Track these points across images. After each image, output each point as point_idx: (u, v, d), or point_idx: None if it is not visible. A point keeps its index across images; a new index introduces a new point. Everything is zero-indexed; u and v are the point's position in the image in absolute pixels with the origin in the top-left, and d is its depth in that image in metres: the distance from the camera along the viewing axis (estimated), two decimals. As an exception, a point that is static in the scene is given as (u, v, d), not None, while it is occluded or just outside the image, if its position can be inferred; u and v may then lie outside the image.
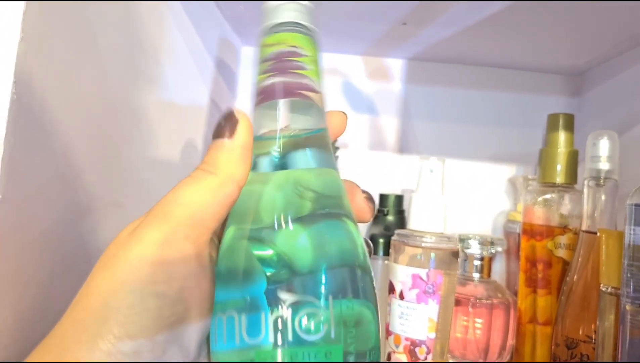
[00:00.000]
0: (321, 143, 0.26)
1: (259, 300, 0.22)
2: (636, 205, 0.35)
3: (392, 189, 0.64)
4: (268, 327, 0.21)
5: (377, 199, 0.61)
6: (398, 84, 0.69)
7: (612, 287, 0.39)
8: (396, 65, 0.69)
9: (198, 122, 0.53)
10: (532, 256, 0.50)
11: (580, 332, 0.43)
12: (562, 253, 0.49)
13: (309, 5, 0.28)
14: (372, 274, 0.25)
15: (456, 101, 0.68)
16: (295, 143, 0.25)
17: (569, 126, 0.52)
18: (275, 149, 0.25)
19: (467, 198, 0.67)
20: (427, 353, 0.42)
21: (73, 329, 0.20)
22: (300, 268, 0.22)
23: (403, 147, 0.69)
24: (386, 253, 0.57)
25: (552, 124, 0.52)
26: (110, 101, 0.33)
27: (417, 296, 0.42)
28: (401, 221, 0.60)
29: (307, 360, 0.21)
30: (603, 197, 0.44)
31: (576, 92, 0.68)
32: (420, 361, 0.42)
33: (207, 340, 0.23)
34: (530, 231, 0.51)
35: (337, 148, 0.58)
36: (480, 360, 0.50)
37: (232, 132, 0.24)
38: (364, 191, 0.28)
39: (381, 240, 0.58)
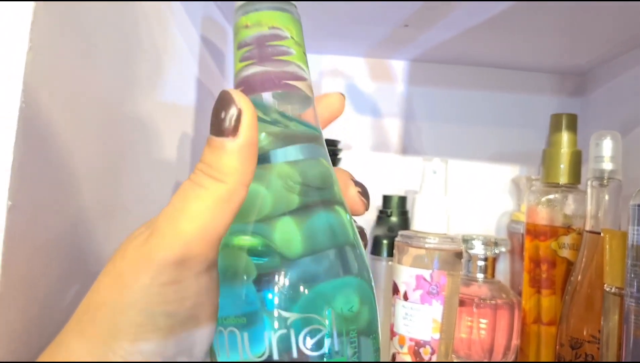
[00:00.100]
0: (310, 133, 0.25)
1: (251, 291, 0.22)
2: (639, 206, 0.35)
3: (395, 191, 0.65)
4: (261, 316, 0.21)
5: (380, 201, 0.61)
6: (400, 85, 0.69)
7: (616, 287, 0.39)
8: (398, 66, 0.69)
9: (202, 124, 0.53)
10: (536, 257, 0.51)
11: (585, 332, 0.43)
12: (566, 253, 0.49)
13: None
14: (365, 257, 0.24)
15: (459, 101, 0.69)
16: (284, 137, 0.24)
17: (572, 126, 0.52)
18: (262, 145, 0.23)
19: (471, 198, 0.67)
20: (432, 354, 0.42)
21: (80, 344, 0.20)
22: (290, 256, 0.22)
23: (406, 148, 0.69)
24: (390, 254, 0.57)
25: (555, 124, 0.53)
26: (114, 106, 0.33)
27: (421, 297, 0.42)
28: (404, 222, 0.60)
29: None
30: (606, 197, 0.44)
31: (579, 93, 0.68)
32: (425, 361, 0.42)
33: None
34: (533, 231, 0.51)
35: (339, 150, 0.59)
36: (485, 361, 0.51)
37: (235, 130, 0.21)
38: (357, 184, 0.28)
39: (385, 241, 0.58)
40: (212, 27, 0.54)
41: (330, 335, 0.22)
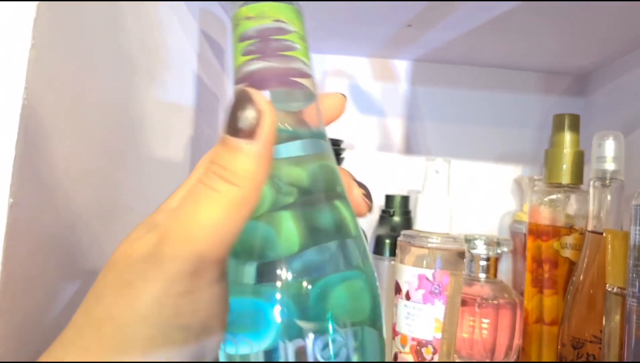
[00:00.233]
0: (314, 131, 0.24)
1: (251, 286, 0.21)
2: (641, 205, 0.35)
3: (398, 190, 0.65)
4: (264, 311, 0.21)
5: (383, 200, 0.61)
6: (404, 85, 0.69)
7: (618, 287, 0.39)
8: (401, 66, 0.69)
9: (204, 123, 0.53)
10: (539, 257, 0.50)
11: (587, 332, 0.43)
12: (568, 253, 0.49)
13: None
14: (366, 248, 0.24)
15: (462, 102, 0.69)
16: (288, 133, 0.23)
17: (575, 126, 0.52)
18: None
19: (474, 198, 0.67)
20: (434, 354, 0.42)
21: (83, 359, 0.18)
22: (289, 250, 0.21)
23: (409, 148, 0.69)
24: (392, 253, 0.57)
25: (558, 124, 0.52)
26: (115, 104, 0.33)
27: (423, 296, 0.42)
28: (407, 222, 0.60)
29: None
30: (609, 197, 0.44)
31: (582, 93, 0.68)
32: (427, 361, 0.42)
33: None
34: (536, 231, 0.51)
35: (342, 149, 0.59)
36: (487, 360, 0.50)
37: (252, 133, 0.20)
38: (360, 185, 0.27)
39: (387, 241, 0.58)
40: (212, 23, 0.55)
41: (335, 329, 0.21)
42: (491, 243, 0.53)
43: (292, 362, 0.20)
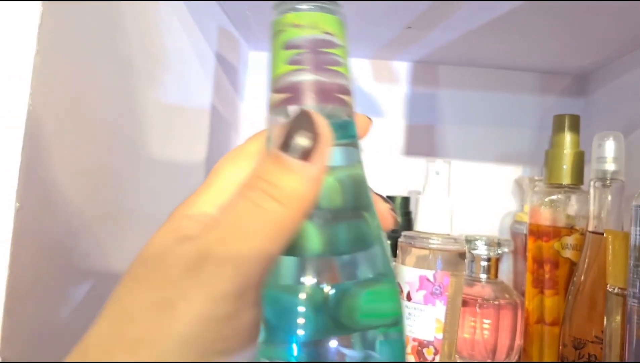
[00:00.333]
0: (352, 150, 0.23)
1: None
2: (641, 206, 0.36)
3: (398, 191, 0.65)
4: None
5: (384, 201, 0.61)
6: (404, 86, 0.69)
7: (619, 288, 0.39)
8: (402, 68, 0.70)
9: (206, 125, 0.54)
10: (539, 257, 0.51)
11: (588, 333, 0.43)
12: (569, 253, 0.49)
13: None
14: (390, 254, 0.23)
15: (462, 102, 0.69)
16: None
17: (575, 127, 0.52)
18: None
19: (474, 199, 0.67)
20: (435, 354, 0.42)
21: None
22: (314, 253, 0.21)
23: (409, 149, 0.69)
24: (393, 254, 0.57)
25: (558, 125, 0.53)
26: (118, 108, 0.33)
27: (424, 297, 0.43)
28: (408, 223, 0.60)
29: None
30: (609, 198, 0.44)
31: (582, 93, 0.68)
32: (428, 362, 0.42)
33: None
34: (537, 232, 0.51)
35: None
36: (488, 361, 0.51)
37: (310, 155, 0.19)
38: (385, 200, 0.26)
39: (388, 242, 0.58)
40: (215, 28, 0.55)
41: (364, 329, 0.21)
42: (492, 243, 0.53)
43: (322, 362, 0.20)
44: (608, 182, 0.44)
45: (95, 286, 0.31)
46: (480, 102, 0.69)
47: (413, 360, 0.43)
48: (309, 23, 0.22)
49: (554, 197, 0.51)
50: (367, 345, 0.20)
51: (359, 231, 0.22)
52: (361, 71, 0.70)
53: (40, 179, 0.24)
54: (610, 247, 0.41)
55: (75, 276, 0.29)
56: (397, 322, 0.22)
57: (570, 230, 0.49)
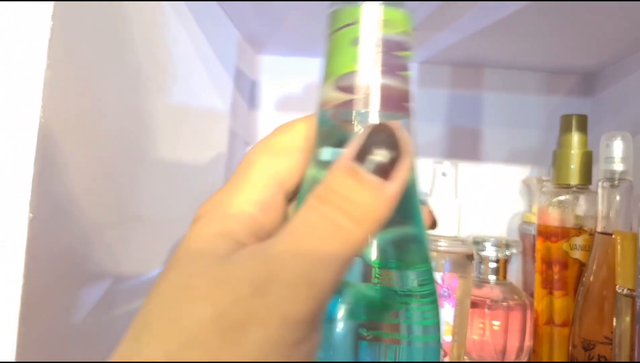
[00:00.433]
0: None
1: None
2: (649, 207, 0.36)
3: (406, 193, 0.65)
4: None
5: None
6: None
7: (628, 289, 0.39)
8: (408, 69, 0.70)
9: (214, 130, 0.54)
10: (548, 258, 0.51)
11: (598, 333, 0.43)
12: (577, 254, 0.49)
13: None
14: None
15: (469, 103, 0.69)
16: None
17: (582, 127, 0.52)
18: None
19: (482, 200, 0.67)
20: (444, 356, 0.43)
21: None
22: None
23: (416, 150, 0.69)
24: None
25: (565, 125, 0.53)
26: (128, 116, 0.34)
27: (433, 300, 0.43)
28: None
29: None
30: (617, 198, 0.44)
31: (589, 93, 0.68)
32: (438, 364, 0.43)
33: None
34: (545, 232, 0.51)
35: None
36: (498, 362, 0.51)
37: (388, 173, 0.18)
38: (423, 203, 0.26)
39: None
40: (219, 33, 0.55)
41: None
42: (500, 244, 0.53)
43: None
44: (616, 182, 0.44)
45: (108, 292, 0.32)
46: (487, 103, 0.69)
47: (422, 362, 0.43)
48: (388, 20, 0.20)
49: (562, 198, 0.51)
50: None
51: (413, 240, 0.21)
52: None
53: (52, 189, 0.25)
54: (619, 248, 0.41)
55: (87, 282, 0.29)
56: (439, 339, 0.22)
57: (579, 230, 0.49)
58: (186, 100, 0.45)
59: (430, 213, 0.26)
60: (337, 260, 0.17)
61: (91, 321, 0.30)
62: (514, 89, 0.68)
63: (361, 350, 0.20)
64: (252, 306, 0.16)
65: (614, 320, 0.40)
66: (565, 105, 0.67)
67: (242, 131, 0.64)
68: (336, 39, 0.21)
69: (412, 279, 0.20)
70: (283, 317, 0.16)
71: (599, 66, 0.64)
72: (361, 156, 0.18)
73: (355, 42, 0.20)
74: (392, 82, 0.20)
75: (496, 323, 0.50)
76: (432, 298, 0.21)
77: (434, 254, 0.44)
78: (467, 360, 0.51)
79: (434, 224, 0.26)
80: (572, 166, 0.51)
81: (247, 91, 0.67)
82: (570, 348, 0.46)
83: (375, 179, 0.18)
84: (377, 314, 0.20)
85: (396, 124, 0.19)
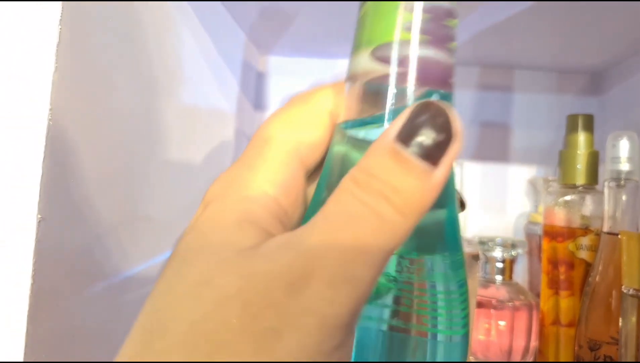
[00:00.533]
0: None
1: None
2: (656, 207, 0.35)
3: (412, 193, 0.65)
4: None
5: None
6: (416, 88, 0.69)
7: (634, 289, 0.39)
8: (414, 69, 0.70)
9: (221, 130, 0.54)
10: (554, 258, 0.50)
11: (604, 334, 0.43)
12: (584, 254, 0.49)
13: None
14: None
15: (474, 102, 0.69)
16: None
17: (589, 126, 0.52)
18: None
19: (488, 200, 0.67)
20: (450, 357, 0.42)
21: None
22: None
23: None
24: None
25: (571, 125, 0.52)
26: (135, 118, 0.34)
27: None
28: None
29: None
30: (624, 198, 0.44)
31: (596, 92, 0.67)
32: (443, 364, 0.43)
33: None
34: (551, 232, 0.51)
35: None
36: (504, 362, 0.51)
37: (436, 157, 0.16)
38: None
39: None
40: (224, 32, 0.55)
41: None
42: (506, 245, 0.53)
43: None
44: (622, 182, 0.44)
45: (116, 292, 0.32)
46: (493, 103, 0.68)
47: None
48: None
49: (568, 198, 0.51)
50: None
51: (450, 224, 0.19)
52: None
53: (60, 190, 0.25)
54: (625, 248, 0.40)
55: (96, 282, 0.30)
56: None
57: (585, 230, 0.49)
58: (193, 101, 0.45)
59: (459, 194, 0.24)
60: (379, 254, 0.15)
61: (99, 321, 0.30)
62: (520, 89, 0.68)
63: (389, 345, 0.18)
64: (287, 308, 0.14)
65: (620, 320, 0.40)
66: (571, 105, 0.67)
67: (248, 132, 0.65)
68: (379, 4, 0.18)
69: (445, 267, 0.18)
70: (321, 321, 0.14)
71: (605, 65, 0.64)
72: (406, 136, 0.16)
73: (400, 6, 0.17)
74: (439, 55, 0.18)
75: (502, 323, 0.50)
76: (464, 289, 0.19)
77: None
78: (472, 360, 0.51)
79: (462, 206, 0.24)
80: (578, 166, 0.51)
81: (252, 91, 0.67)
82: (576, 348, 0.46)
83: (423, 165, 0.16)
84: (404, 306, 0.18)
85: (445, 103, 0.17)
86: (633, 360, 0.38)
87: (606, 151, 0.46)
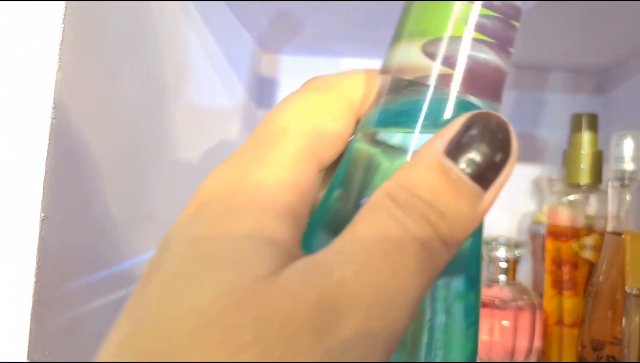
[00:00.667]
0: None
1: None
2: (659, 207, 0.35)
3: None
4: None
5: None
6: (420, 87, 0.69)
7: (637, 289, 0.39)
8: (417, 69, 0.70)
9: (225, 130, 0.54)
10: (558, 258, 0.50)
11: (607, 334, 0.43)
12: (588, 254, 0.49)
13: None
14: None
15: (478, 102, 0.68)
16: None
17: (593, 126, 0.52)
18: None
19: (492, 199, 0.67)
20: (453, 356, 0.42)
21: None
22: None
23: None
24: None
25: (576, 124, 0.52)
26: (139, 117, 0.34)
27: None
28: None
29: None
30: (628, 198, 0.44)
31: (600, 91, 0.67)
32: (446, 364, 0.43)
33: None
34: (555, 232, 0.51)
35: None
36: (507, 362, 0.51)
37: (490, 180, 0.14)
38: None
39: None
40: (228, 31, 0.55)
41: None
42: (510, 244, 0.53)
43: None
44: (626, 182, 0.44)
45: (119, 290, 0.32)
46: (497, 102, 0.68)
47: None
48: None
49: (572, 197, 0.51)
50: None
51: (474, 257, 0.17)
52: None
53: (64, 189, 0.25)
54: (629, 248, 0.40)
55: (99, 281, 0.30)
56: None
57: (589, 230, 0.49)
58: (197, 101, 0.45)
59: None
60: (418, 292, 0.13)
61: (103, 320, 0.30)
62: (524, 88, 0.68)
63: None
64: (312, 356, 0.12)
65: (624, 320, 0.40)
66: (576, 103, 0.67)
67: (251, 131, 0.65)
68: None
69: (457, 306, 0.16)
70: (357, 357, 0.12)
71: (610, 64, 0.63)
72: (456, 151, 0.14)
73: None
74: (501, 60, 0.15)
75: (505, 323, 0.50)
76: (475, 327, 0.17)
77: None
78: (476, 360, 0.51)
79: None
80: (582, 166, 0.51)
81: (257, 90, 0.67)
82: (579, 348, 0.46)
83: (475, 188, 0.14)
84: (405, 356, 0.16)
85: (502, 117, 0.15)
86: (636, 360, 0.38)
87: (610, 150, 0.46)
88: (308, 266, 0.13)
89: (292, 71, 0.69)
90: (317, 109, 0.16)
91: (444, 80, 0.15)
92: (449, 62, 0.15)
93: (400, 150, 0.15)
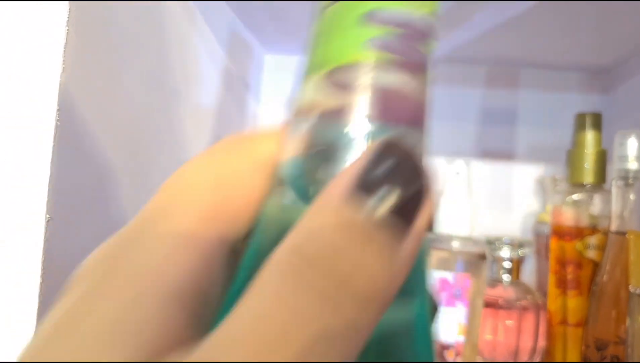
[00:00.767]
0: None
1: None
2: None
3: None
4: None
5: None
6: (423, 87, 0.69)
7: (642, 289, 0.39)
8: (420, 68, 0.70)
9: (225, 130, 0.55)
10: (562, 258, 0.50)
11: (611, 333, 0.43)
12: (592, 254, 0.49)
13: None
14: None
15: (482, 101, 0.68)
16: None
17: (597, 125, 0.51)
18: None
19: (495, 199, 0.67)
20: (456, 356, 0.43)
21: None
22: None
23: (428, 149, 0.69)
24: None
25: (580, 124, 0.52)
26: (143, 119, 0.34)
27: (445, 300, 0.43)
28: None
29: None
30: (632, 197, 0.44)
31: (605, 90, 0.67)
32: (450, 363, 0.43)
33: None
34: (559, 232, 0.51)
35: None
36: (511, 362, 0.51)
37: (405, 222, 0.11)
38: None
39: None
40: (229, 33, 0.56)
41: None
42: (514, 244, 0.53)
43: None
44: (630, 181, 0.44)
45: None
46: (501, 101, 0.68)
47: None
48: None
49: (576, 197, 0.50)
50: None
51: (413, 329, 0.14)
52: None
53: (69, 190, 0.25)
54: (632, 248, 0.40)
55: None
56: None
57: (593, 230, 0.49)
58: (200, 101, 0.45)
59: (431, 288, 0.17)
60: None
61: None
62: (528, 87, 0.68)
63: None
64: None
65: (627, 319, 0.40)
66: (579, 103, 0.67)
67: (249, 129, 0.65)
68: (335, 15, 0.14)
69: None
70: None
71: (613, 63, 0.63)
72: (364, 188, 0.11)
73: (365, 19, 0.13)
74: (410, 83, 0.14)
75: (509, 323, 0.50)
76: None
77: (446, 254, 0.44)
78: (479, 360, 0.51)
79: (435, 308, 0.17)
80: (586, 165, 0.50)
81: (256, 90, 0.67)
82: (583, 348, 0.45)
83: (386, 235, 0.11)
84: None
85: (411, 145, 0.13)
86: (640, 360, 0.38)
87: (614, 149, 0.46)
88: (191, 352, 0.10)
89: (295, 71, 0.69)
90: (221, 176, 0.14)
91: (350, 110, 0.13)
92: (353, 90, 0.13)
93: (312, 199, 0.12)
